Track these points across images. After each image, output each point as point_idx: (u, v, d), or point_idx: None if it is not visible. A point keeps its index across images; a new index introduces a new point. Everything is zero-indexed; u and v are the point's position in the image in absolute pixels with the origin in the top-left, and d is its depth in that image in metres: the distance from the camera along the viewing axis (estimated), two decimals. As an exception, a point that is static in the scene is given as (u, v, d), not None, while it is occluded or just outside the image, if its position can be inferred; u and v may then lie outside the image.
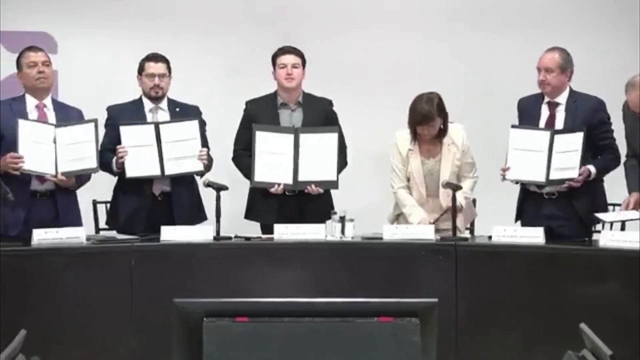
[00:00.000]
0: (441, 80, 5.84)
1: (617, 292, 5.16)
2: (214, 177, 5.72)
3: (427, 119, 5.66)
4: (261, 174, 5.75)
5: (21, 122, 5.58)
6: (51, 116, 5.76)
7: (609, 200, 5.89)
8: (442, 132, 5.78)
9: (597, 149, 5.69)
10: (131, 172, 5.72)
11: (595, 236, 5.63)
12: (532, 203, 5.77)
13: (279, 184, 5.73)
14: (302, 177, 5.74)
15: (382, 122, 5.92)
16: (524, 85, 5.90)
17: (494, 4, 7.05)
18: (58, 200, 5.71)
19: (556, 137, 5.61)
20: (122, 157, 5.69)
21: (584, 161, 5.57)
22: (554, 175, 5.60)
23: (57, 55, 6.07)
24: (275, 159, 5.74)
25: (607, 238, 5.39)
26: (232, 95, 6.45)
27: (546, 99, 5.76)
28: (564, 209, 5.68)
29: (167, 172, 5.75)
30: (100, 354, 5.00)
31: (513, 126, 5.73)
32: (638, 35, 6.47)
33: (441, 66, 6.09)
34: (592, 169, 5.61)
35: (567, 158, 5.57)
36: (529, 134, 5.70)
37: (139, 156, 5.71)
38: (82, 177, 5.79)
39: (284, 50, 5.92)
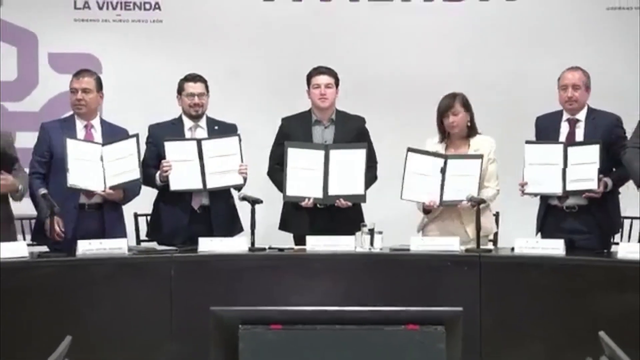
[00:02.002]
0: (474, 98, 5.82)
1: (635, 302, 5.14)
2: (249, 191, 5.73)
3: (449, 107, 5.68)
4: (293, 188, 5.75)
5: (69, 141, 5.61)
6: (97, 136, 5.78)
7: (623, 214, 5.88)
8: (470, 131, 5.78)
9: (614, 163, 5.65)
10: (175, 185, 5.75)
11: (614, 248, 5.61)
12: (553, 217, 5.74)
13: (309, 198, 5.74)
14: (331, 192, 5.74)
15: (410, 137, 5.90)
16: (546, 102, 5.87)
17: (518, 25, 7.03)
18: (105, 213, 5.75)
19: (570, 149, 5.59)
20: (166, 171, 5.72)
21: (603, 172, 5.54)
22: (571, 187, 5.57)
23: (101, 76, 6.09)
24: (307, 174, 5.74)
25: (626, 250, 5.37)
26: (269, 112, 6.46)
27: (565, 116, 5.73)
28: (584, 222, 5.64)
29: (209, 185, 5.77)
30: (141, 359, 5.01)
31: (527, 142, 5.71)
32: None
33: (468, 83, 6.07)
34: (608, 180, 5.57)
35: (584, 169, 5.53)
36: (543, 148, 5.69)
37: (182, 170, 5.73)
38: (128, 193, 5.80)
39: (318, 71, 5.93)
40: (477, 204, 5.49)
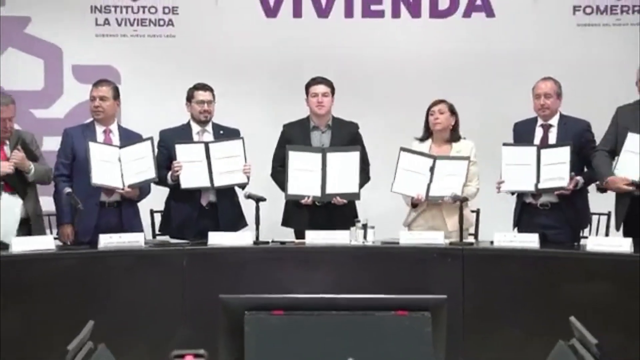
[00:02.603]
0: (456, 107, 5.83)
1: (602, 289, 5.15)
2: (254, 190, 5.74)
3: (437, 102, 5.75)
4: (294, 188, 5.77)
5: (91, 144, 5.62)
6: (115, 140, 5.80)
7: (593, 210, 5.90)
8: (454, 135, 5.81)
9: (584, 163, 5.68)
10: (185, 184, 5.75)
11: (583, 241, 5.63)
12: (528, 213, 5.76)
13: (308, 196, 5.75)
14: (328, 190, 5.75)
15: (400, 140, 5.92)
16: (523, 109, 5.89)
17: (496, 40, 7.03)
18: (123, 210, 5.76)
19: (543, 151, 5.60)
20: (177, 172, 5.73)
21: (575, 173, 5.56)
22: (543, 185, 5.59)
23: (120, 85, 6.10)
24: (306, 175, 5.75)
25: (594, 243, 5.39)
26: (271, 119, 6.47)
27: (539, 122, 5.75)
28: (556, 219, 5.66)
29: (216, 184, 5.78)
30: (156, 342, 5.01)
31: (504, 144, 5.72)
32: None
33: (451, 91, 6.08)
34: (579, 178, 5.60)
35: (556, 169, 5.55)
36: (518, 150, 5.69)
37: (192, 170, 5.73)
38: (143, 191, 5.83)
39: (316, 81, 5.94)
40: (461, 202, 5.51)
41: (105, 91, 5.77)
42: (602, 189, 5.61)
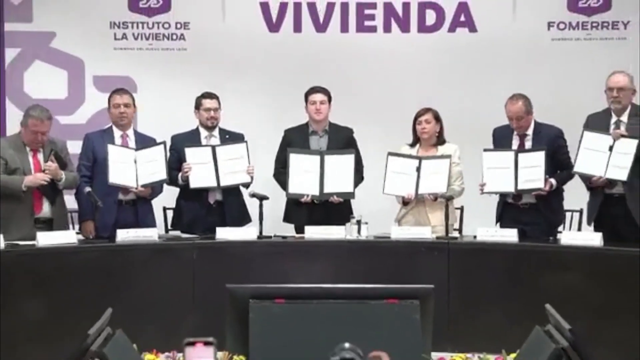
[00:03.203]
0: (441, 113, 5.82)
1: (575, 280, 5.15)
2: (258, 189, 5.73)
3: (423, 112, 5.72)
4: (294, 187, 5.75)
5: (110, 147, 5.62)
6: (132, 143, 5.79)
7: (566, 207, 5.90)
8: (439, 139, 5.79)
9: (557, 167, 5.66)
10: (194, 183, 5.74)
11: (557, 235, 5.62)
12: (509, 212, 5.74)
13: (307, 195, 5.74)
14: (326, 190, 5.73)
15: (391, 144, 5.90)
16: (501, 116, 5.87)
17: (478, 53, 7.02)
18: (138, 207, 5.75)
19: (520, 155, 5.58)
20: (186, 172, 5.71)
21: (550, 174, 5.56)
22: (522, 186, 5.57)
23: (136, 94, 6.09)
24: (305, 175, 5.74)
25: (568, 237, 5.40)
26: (273, 125, 6.44)
27: (516, 131, 5.72)
28: (534, 216, 5.66)
29: (222, 183, 5.76)
30: (168, 328, 5.00)
31: (485, 149, 5.70)
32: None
33: (438, 100, 6.07)
34: (553, 181, 5.59)
35: (532, 172, 5.54)
36: (498, 154, 5.68)
37: (200, 171, 5.72)
38: (155, 190, 5.83)
39: (314, 90, 5.92)
40: (447, 200, 5.50)
41: (128, 98, 5.80)
42: (590, 188, 5.59)
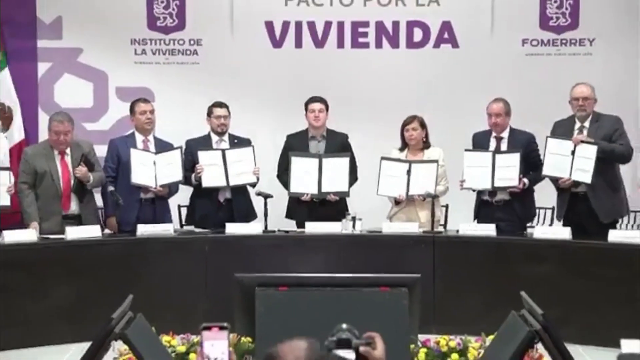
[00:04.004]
0: (427, 119, 5.82)
1: (547, 269, 5.17)
2: (263, 188, 5.73)
3: (409, 123, 5.71)
4: (295, 187, 5.75)
5: (133, 151, 5.64)
6: (152, 148, 5.79)
7: (539, 205, 5.90)
8: (425, 144, 5.78)
9: (530, 168, 5.66)
10: (206, 183, 5.74)
11: (531, 230, 5.62)
12: (485, 208, 5.74)
13: (307, 194, 5.74)
14: (324, 189, 5.73)
15: (383, 148, 5.90)
16: (480, 123, 5.87)
17: (460, 67, 7.01)
18: (156, 205, 5.75)
19: (497, 156, 5.59)
20: (199, 173, 5.71)
21: (523, 174, 5.56)
22: (498, 184, 5.57)
23: (154, 103, 6.08)
24: (305, 176, 5.73)
25: (540, 231, 5.41)
26: (277, 131, 6.43)
27: (493, 134, 5.74)
28: (508, 213, 5.65)
29: (231, 183, 5.75)
30: (183, 313, 5.00)
31: (466, 150, 5.70)
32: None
33: (424, 108, 6.06)
34: (526, 180, 5.59)
35: (508, 171, 5.54)
36: (477, 155, 5.67)
37: (211, 172, 5.72)
38: (172, 189, 5.83)
39: (313, 99, 5.92)
40: (432, 198, 5.49)
41: (151, 106, 5.83)
42: (558, 187, 5.60)
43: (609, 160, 5.41)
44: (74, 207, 5.53)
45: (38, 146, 5.80)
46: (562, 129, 5.57)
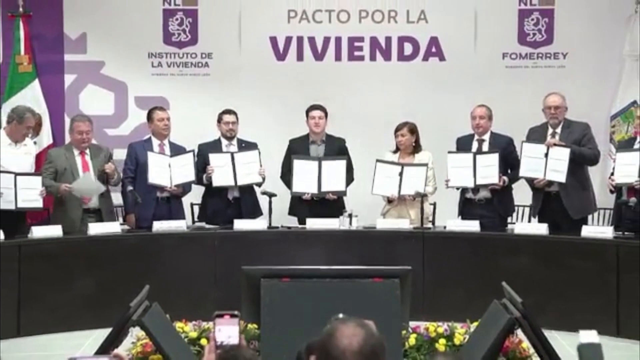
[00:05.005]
0: (419, 125, 5.79)
1: (526, 262, 5.16)
2: (268, 188, 5.70)
3: (402, 125, 5.71)
4: (297, 186, 5.72)
5: (150, 154, 5.62)
6: (167, 151, 5.78)
7: (518, 203, 5.87)
8: (415, 149, 5.75)
9: (509, 167, 5.65)
10: (216, 183, 5.71)
11: (511, 226, 5.61)
12: (468, 206, 5.71)
13: (308, 193, 5.71)
14: (323, 189, 5.70)
15: (377, 152, 5.87)
16: (464, 128, 5.84)
17: (446, 77, 6.97)
18: (171, 203, 5.72)
19: (478, 156, 5.57)
20: (210, 174, 5.69)
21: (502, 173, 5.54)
22: (479, 182, 5.55)
23: (169, 111, 6.06)
24: (306, 177, 5.71)
25: (519, 227, 5.40)
26: (280, 136, 6.38)
27: (475, 137, 5.72)
28: (489, 210, 5.63)
29: (239, 183, 5.72)
30: (195, 303, 4.97)
31: (449, 152, 5.67)
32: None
33: (415, 116, 6.02)
34: (505, 178, 5.58)
35: (488, 170, 5.53)
36: (460, 156, 5.65)
37: (221, 173, 5.69)
38: (185, 189, 5.81)
39: (313, 107, 5.90)
40: (422, 197, 5.46)
41: (168, 113, 5.84)
42: (533, 187, 5.59)
43: (579, 162, 5.39)
44: (94, 200, 5.50)
45: (60, 148, 5.84)
46: (536, 135, 5.60)
